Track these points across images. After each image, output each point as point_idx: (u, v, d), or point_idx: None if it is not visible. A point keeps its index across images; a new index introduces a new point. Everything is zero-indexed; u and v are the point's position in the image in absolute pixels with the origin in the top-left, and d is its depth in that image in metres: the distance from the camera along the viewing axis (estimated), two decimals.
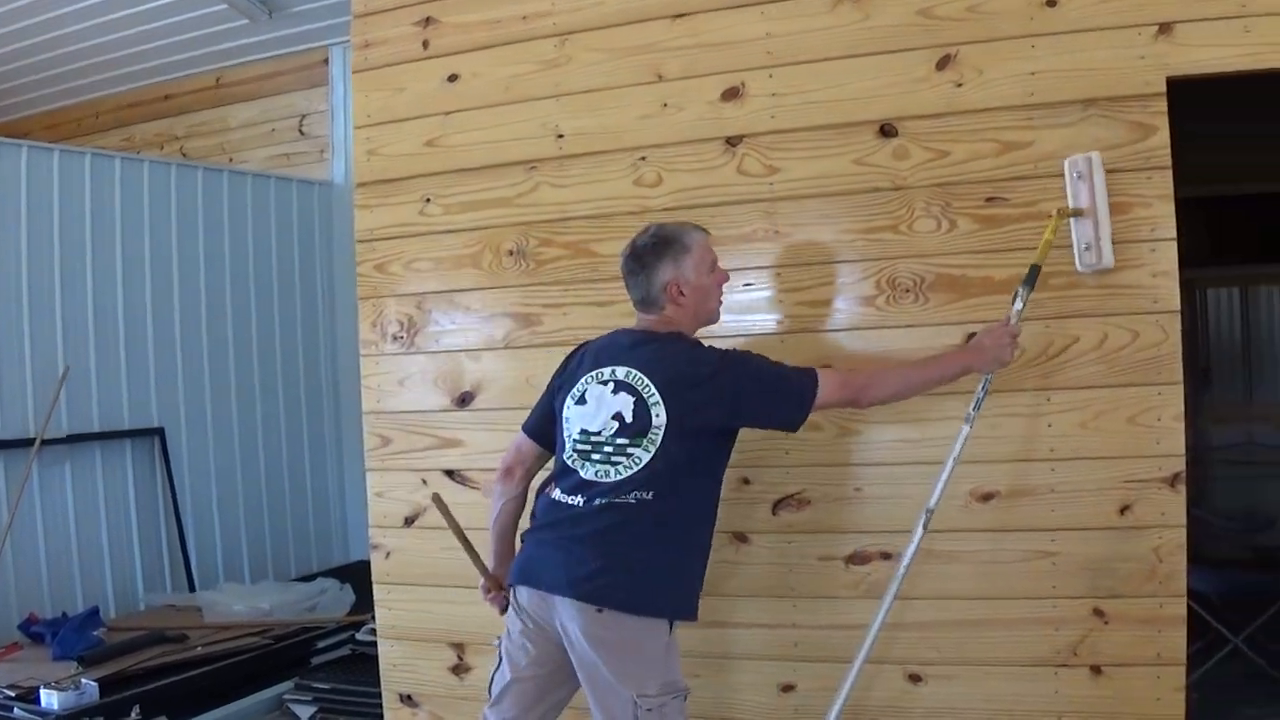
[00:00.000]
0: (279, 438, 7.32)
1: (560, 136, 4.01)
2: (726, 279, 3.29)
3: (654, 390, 3.04)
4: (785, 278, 3.75)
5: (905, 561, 3.31)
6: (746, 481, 3.83)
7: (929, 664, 3.66)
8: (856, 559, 3.72)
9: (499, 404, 4.02)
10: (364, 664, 5.22)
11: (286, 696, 5.27)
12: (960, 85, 3.56)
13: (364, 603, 5.72)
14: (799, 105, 3.73)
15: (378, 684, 4.39)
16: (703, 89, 3.83)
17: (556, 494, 3.13)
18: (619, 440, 3.05)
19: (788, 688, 3.82)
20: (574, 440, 3.13)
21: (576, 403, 3.15)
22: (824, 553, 3.71)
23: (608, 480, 3.02)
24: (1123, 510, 3.44)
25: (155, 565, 6.54)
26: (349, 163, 7.22)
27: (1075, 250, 3.39)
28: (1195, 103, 3.46)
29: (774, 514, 3.82)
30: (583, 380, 3.18)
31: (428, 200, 4.20)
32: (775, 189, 3.75)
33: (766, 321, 3.77)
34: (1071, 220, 3.39)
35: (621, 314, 3.59)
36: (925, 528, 3.30)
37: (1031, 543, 3.53)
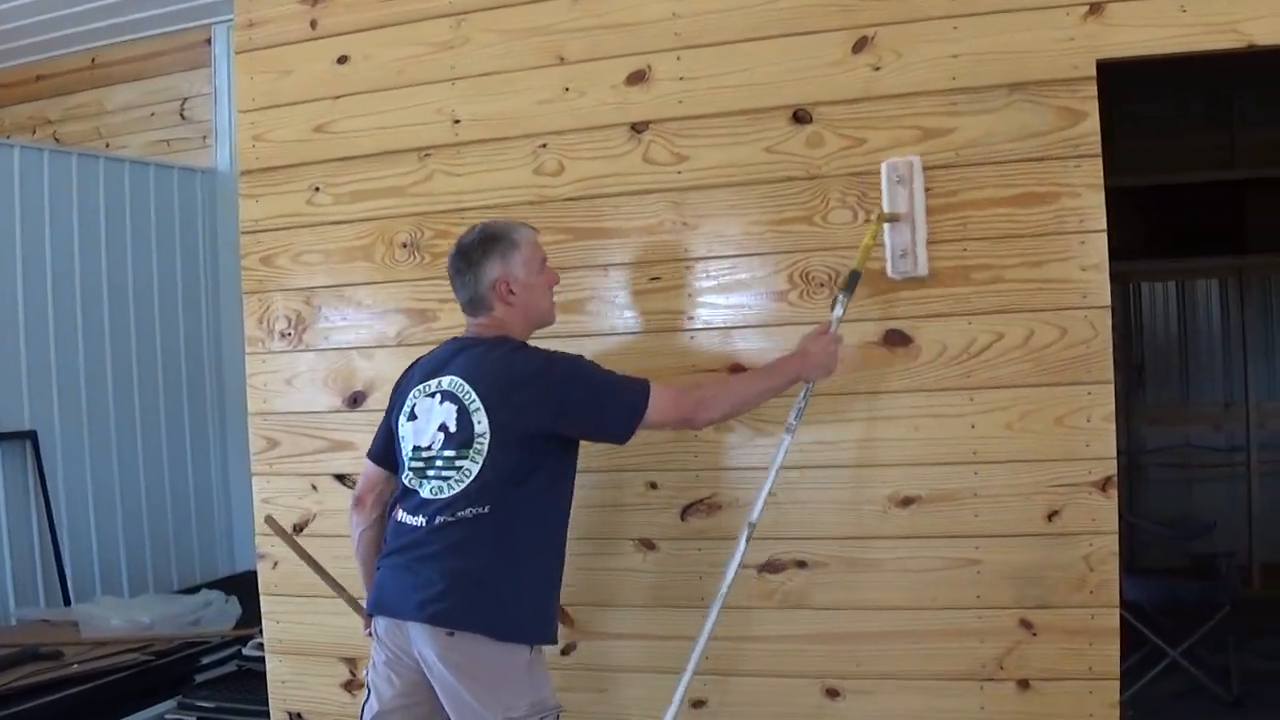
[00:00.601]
0: (159, 440, 7.19)
1: (456, 122, 3.99)
2: (556, 280, 3.33)
3: (474, 396, 3.05)
4: (694, 271, 3.74)
5: (728, 578, 3.34)
6: (653, 486, 3.82)
7: (847, 678, 3.64)
8: (770, 567, 3.71)
9: None
10: (251, 680, 5.12)
11: (169, 716, 5.19)
12: (878, 69, 3.56)
13: (251, 616, 5.58)
14: (708, 89, 3.71)
15: (266, 702, 4.36)
16: (606, 72, 3.82)
17: (401, 516, 3.15)
18: (446, 453, 3.06)
19: (698, 703, 3.81)
20: (409, 458, 3.16)
21: (408, 419, 3.18)
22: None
23: (443, 497, 3.04)
24: (1051, 516, 3.45)
25: (27, 577, 6.40)
26: (234, 149, 7.14)
27: (889, 257, 3.43)
28: (1136, 84, 3.44)
29: (683, 520, 3.81)
30: (412, 394, 3.20)
31: (316, 189, 4.19)
32: (683, 178, 3.74)
33: (673, 318, 3.77)
34: (887, 225, 3.43)
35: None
36: (747, 541, 3.32)
37: (954, 550, 3.52)
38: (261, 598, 4.30)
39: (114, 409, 6.94)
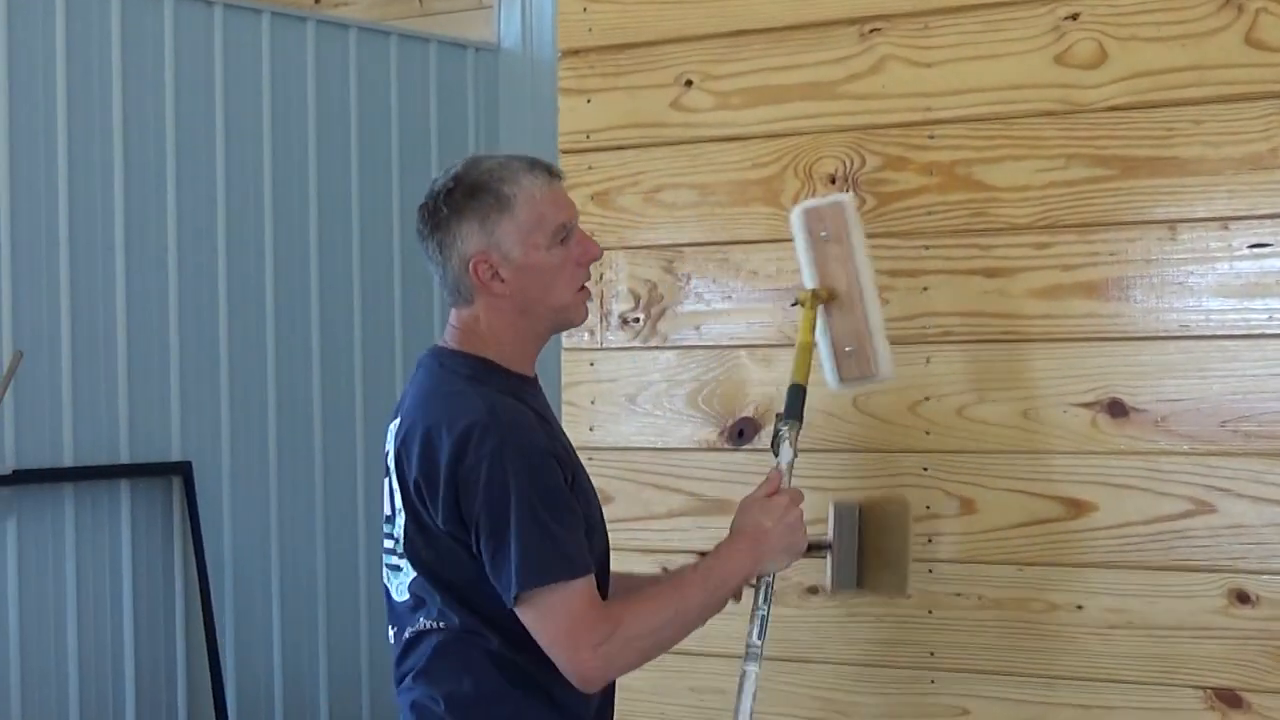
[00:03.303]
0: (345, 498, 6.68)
1: None
2: (593, 256, 3.06)
3: (390, 459, 2.94)
4: None
5: None
6: None
7: None
8: None
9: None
10: None
11: None
12: None
13: None
14: None
15: None
16: None
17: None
18: (389, 540, 2.99)
19: None
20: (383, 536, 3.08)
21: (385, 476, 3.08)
22: None
23: (398, 601, 2.99)
24: None
25: (158, 688, 5.99)
26: (536, 16, 6.86)
27: (825, 359, 3.28)
28: None
29: None
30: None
31: (688, 83, 3.78)
32: None
33: (1271, 313, 3.23)
34: (821, 309, 3.27)
35: (1026, 291, 3.32)
36: None
37: None
38: None
39: (321, 430, 6.48)
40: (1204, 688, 3.26)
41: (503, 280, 2.90)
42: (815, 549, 3.20)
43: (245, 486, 6.26)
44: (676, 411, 3.85)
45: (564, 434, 3.03)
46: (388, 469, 2.95)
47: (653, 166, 3.84)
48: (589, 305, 3.08)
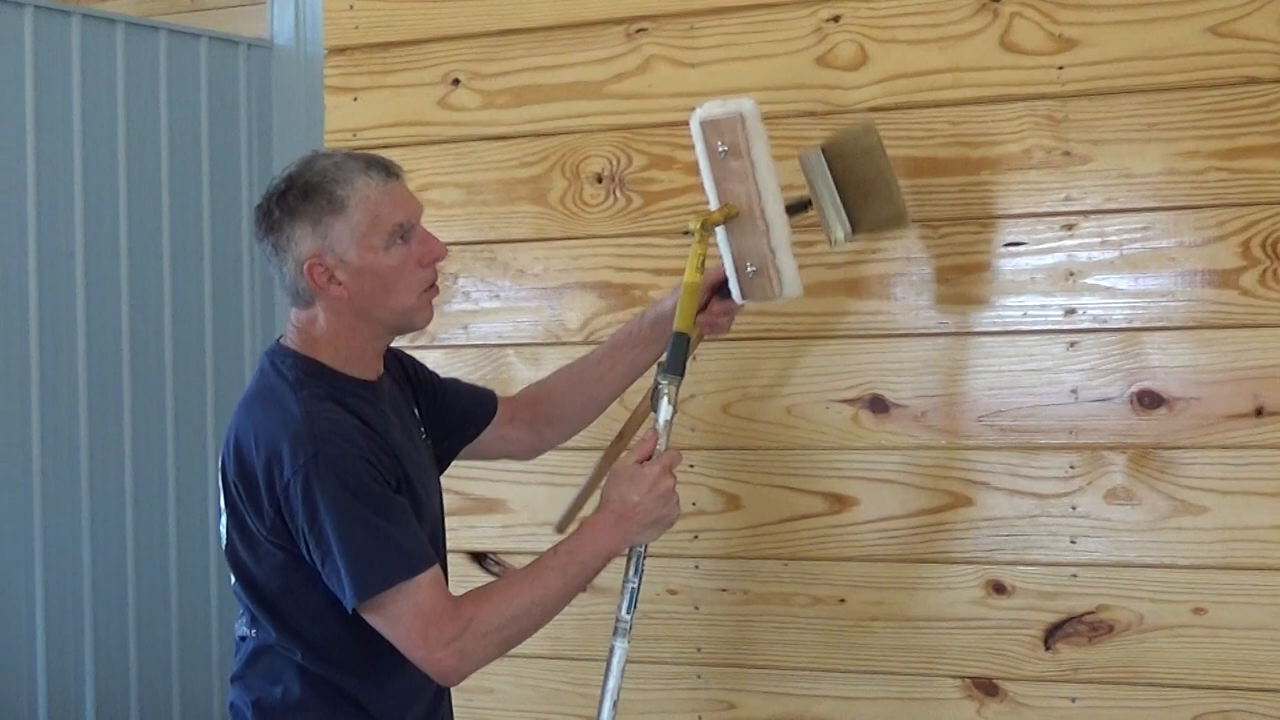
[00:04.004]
0: (161, 500, 6.50)
1: None
2: (437, 255, 2.98)
3: (219, 468, 2.91)
4: (1081, 234, 3.29)
5: None
6: None
7: None
8: None
9: None
10: None
11: None
12: None
13: None
14: None
15: None
16: None
17: None
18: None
19: None
20: None
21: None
22: None
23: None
24: None
25: None
26: (308, 11, 6.77)
27: (730, 279, 3.16)
28: None
29: None
30: None
31: (455, 82, 3.79)
32: (1067, 76, 3.27)
33: (1041, 312, 3.32)
34: (721, 229, 3.11)
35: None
36: None
37: None
38: None
39: (87, 435, 6.23)
40: (962, 677, 3.35)
41: (339, 283, 2.85)
42: (798, 209, 3.14)
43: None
44: None
45: (409, 442, 2.96)
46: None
47: (420, 165, 3.79)
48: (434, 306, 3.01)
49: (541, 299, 3.72)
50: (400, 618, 2.72)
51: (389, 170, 2.90)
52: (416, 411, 3.04)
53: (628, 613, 2.93)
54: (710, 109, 3.07)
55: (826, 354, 3.34)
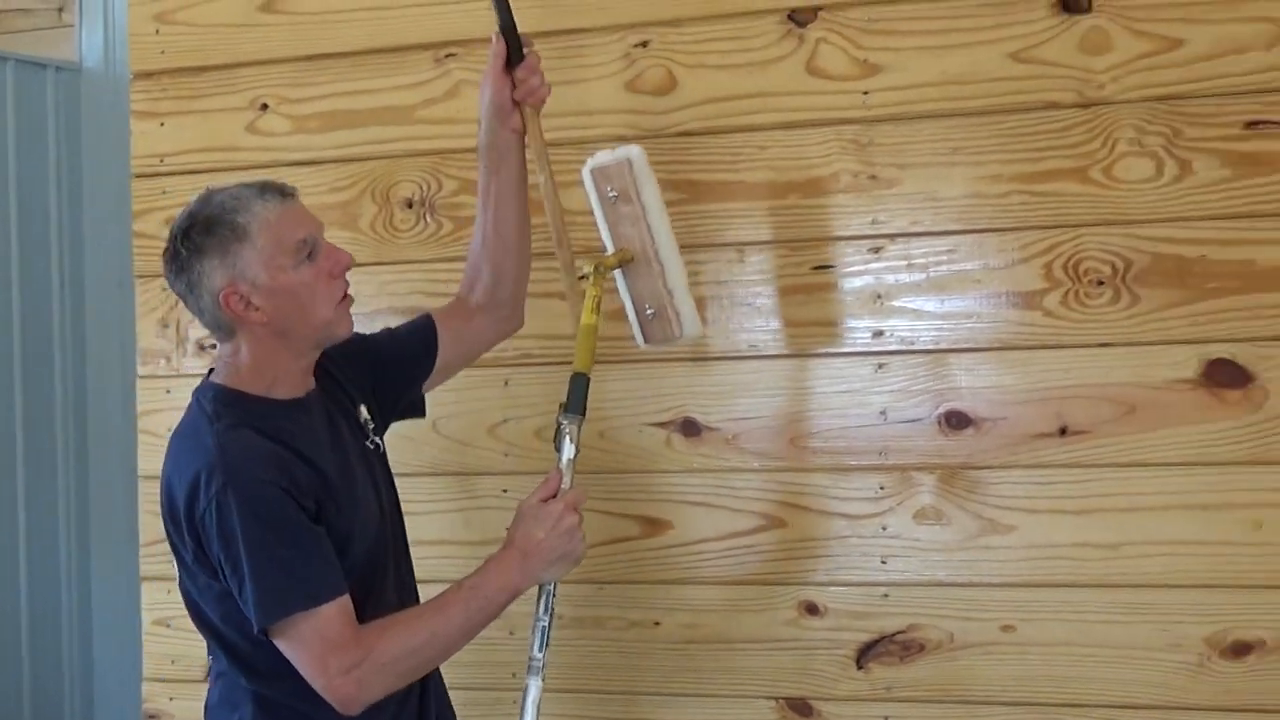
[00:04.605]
0: None
1: None
2: (343, 265, 2.98)
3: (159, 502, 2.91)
4: (888, 256, 3.33)
5: None
6: None
7: None
8: None
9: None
10: None
11: None
12: None
13: None
14: None
15: None
16: None
17: None
18: None
19: None
20: None
21: None
22: None
23: None
24: None
25: None
26: (116, 33, 6.60)
27: (632, 318, 3.17)
28: None
29: None
30: None
31: (263, 107, 3.78)
32: (873, 101, 3.31)
33: (849, 334, 3.36)
34: (618, 273, 3.14)
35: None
36: None
37: None
38: None
39: None
40: (777, 698, 3.36)
41: (257, 308, 2.84)
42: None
43: None
44: None
45: (343, 453, 2.94)
46: None
47: None
48: (352, 314, 2.99)
49: (355, 323, 3.64)
50: (302, 644, 2.72)
51: (284, 192, 2.90)
52: (364, 411, 3.03)
53: (540, 651, 2.92)
54: (599, 157, 3.09)
55: (639, 377, 3.34)
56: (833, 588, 3.30)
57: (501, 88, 3.08)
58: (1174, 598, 3.14)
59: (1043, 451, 3.08)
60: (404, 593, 3.02)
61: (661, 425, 3.32)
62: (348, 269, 2.94)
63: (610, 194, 3.10)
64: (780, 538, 3.32)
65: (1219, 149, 3.05)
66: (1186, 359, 3.10)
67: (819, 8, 3.23)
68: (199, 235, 2.83)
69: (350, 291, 2.95)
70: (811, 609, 3.29)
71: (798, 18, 3.23)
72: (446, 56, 3.62)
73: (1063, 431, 3.07)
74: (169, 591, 3.69)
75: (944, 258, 3.13)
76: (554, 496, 2.90)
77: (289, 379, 2.89)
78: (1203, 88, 3.08)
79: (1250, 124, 3.09)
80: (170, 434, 2.88)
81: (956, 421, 3.12)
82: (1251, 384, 3.09)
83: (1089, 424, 3.07)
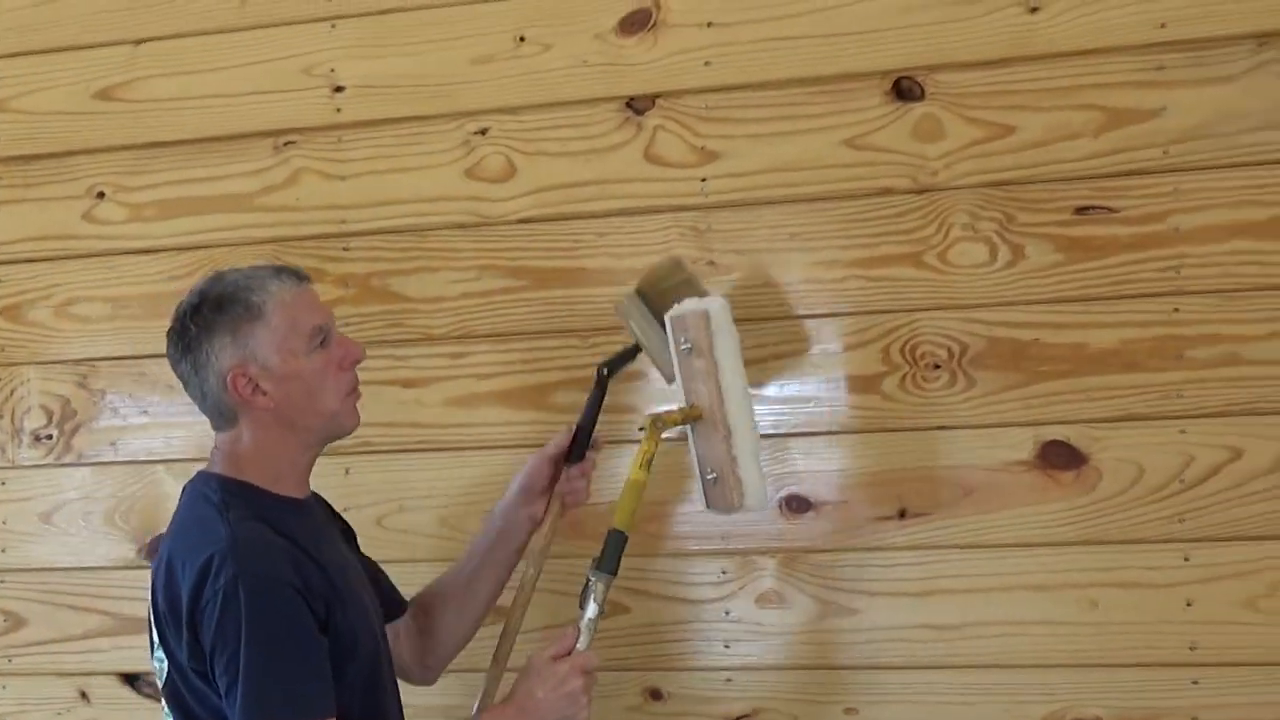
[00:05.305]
0: None
1: (337, 90, 3.52)
2: (355, 358, 2.93)
3: (150, 602, 2.80)
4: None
5: None
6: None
7: None
8: None
9: None
10: None
11: None
12: (1035, 10, 3.17)
13: None
14: (753, 44, 3.30)
15: None
16: (587, 11, 3.42)
17: None
18: (157, 680, 2.85)
19: None
20: None
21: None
22: None
23: None
24: None
25: None
26: None
27: (698, 479, 3.06)
28: None
29: None
30: None
31: (100, 195, 3.69)
32: (710, 188, 3.32)
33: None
34: (690, 428, 3.02)
35: (443, 400, 3.40)
36: None
37: None
38: None
39: None
40: None
41: (265, 393, 2.76)
42: (627, 357, 3.08)
43: None
44: (94, 530, 3.75)
45: (342, 557, 2.89)
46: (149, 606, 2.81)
47: (66, 279, 3.74)
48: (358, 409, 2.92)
49: (194, 413, 3.46)
50: None
51: (299, 276, 2.84)
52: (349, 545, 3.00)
53: None
54: (683, 305, 2.97)
55: (480, 464, 3.34)
56: (676, 673, 3.30)
57: (544, 471, 3.04)
58: (1015, 678, 3.16)
59: (883, 534, 3.10)
60: (397, 695, 2.96)
61: None
62: (358, 363, 2.88)
63: (684, 346, 2.97)
64: (624, 623, 3.32)
65: (1051, 234, 3.09)
66: (1022, 441, 3.13)
67: (656, 95, 3.26)
68: (210, 312, 2.76)
69: (359, 388, 2.89)
70: (655, 694, 3.29)
71: (635, 105, 3.26)
72: (285, 144, 3.61)
73: (902, 514, 3.09)
74: (4, 686, 3.77)
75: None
76: (567, 654, 2.81)
77: (294, 474, 2.83)
78: (1034, 174, 3.12)
79: (1081, 209, 3.14)
80: (172, 525, 2.81)
81: (797, 505, 3.14)
82: (1084, 465, 3.12)
83: (928, 506, 3.09)
